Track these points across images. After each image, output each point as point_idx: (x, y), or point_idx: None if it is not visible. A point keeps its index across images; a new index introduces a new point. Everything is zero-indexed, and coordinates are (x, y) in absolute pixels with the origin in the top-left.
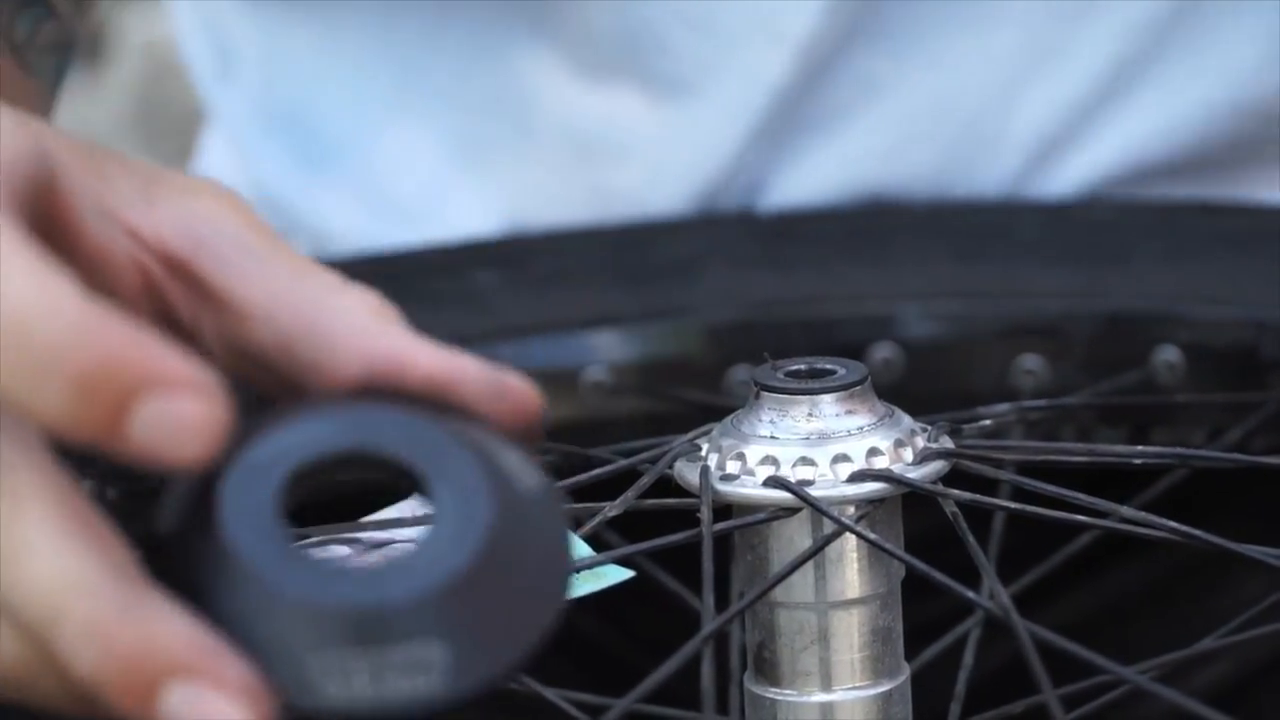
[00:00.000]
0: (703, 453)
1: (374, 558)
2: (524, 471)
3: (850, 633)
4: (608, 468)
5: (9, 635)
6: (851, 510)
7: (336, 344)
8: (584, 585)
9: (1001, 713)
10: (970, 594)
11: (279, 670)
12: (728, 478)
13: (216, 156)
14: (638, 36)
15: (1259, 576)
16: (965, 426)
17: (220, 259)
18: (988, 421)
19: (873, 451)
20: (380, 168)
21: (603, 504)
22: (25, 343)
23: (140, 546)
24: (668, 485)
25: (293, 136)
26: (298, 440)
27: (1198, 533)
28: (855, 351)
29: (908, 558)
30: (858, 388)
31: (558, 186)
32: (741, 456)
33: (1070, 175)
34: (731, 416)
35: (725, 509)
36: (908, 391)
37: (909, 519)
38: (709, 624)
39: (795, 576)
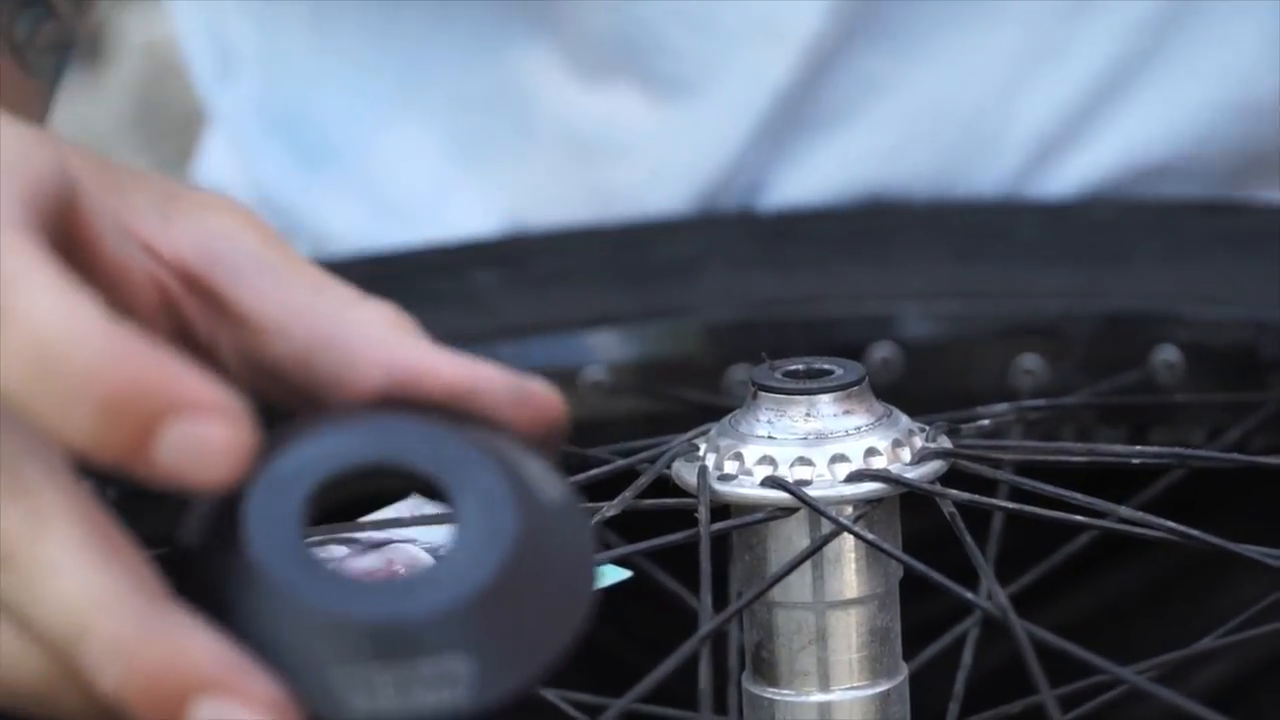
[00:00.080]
0: (700, 453)
1: (372, 558)
2: (547, 482)
3: (848, 633)
4: (606, 468)
5: (34, 652)
6: (849, 510)
7: (356, 357)
8: None
9: (1000, 713)
10: (968, 594)
11: (305, 684)
12: (725, 478)
13: (217, 158)
14: (637, 36)
15: (1258, 577)
16: (964, 426)
17: (237, 274)
18: (986, 421)
19: (870, 451)
20: (380, 168)
21: (601, 504)
22: (52, 366)
23: (159, 559)
24: (666, 485)
25: (292, 137)
26: (321, 454)
27: (1196, 533)
28: (854, 351)
29: (906, 558)
30: (855, 388)
31: (557, 186)
32: (739, 456)
33: (1070, 176)
34: (729, 416)
35: (723, 509)
36: (907, 391)
37: (907, 519)
38: (707, 624)
39: (793, 576)
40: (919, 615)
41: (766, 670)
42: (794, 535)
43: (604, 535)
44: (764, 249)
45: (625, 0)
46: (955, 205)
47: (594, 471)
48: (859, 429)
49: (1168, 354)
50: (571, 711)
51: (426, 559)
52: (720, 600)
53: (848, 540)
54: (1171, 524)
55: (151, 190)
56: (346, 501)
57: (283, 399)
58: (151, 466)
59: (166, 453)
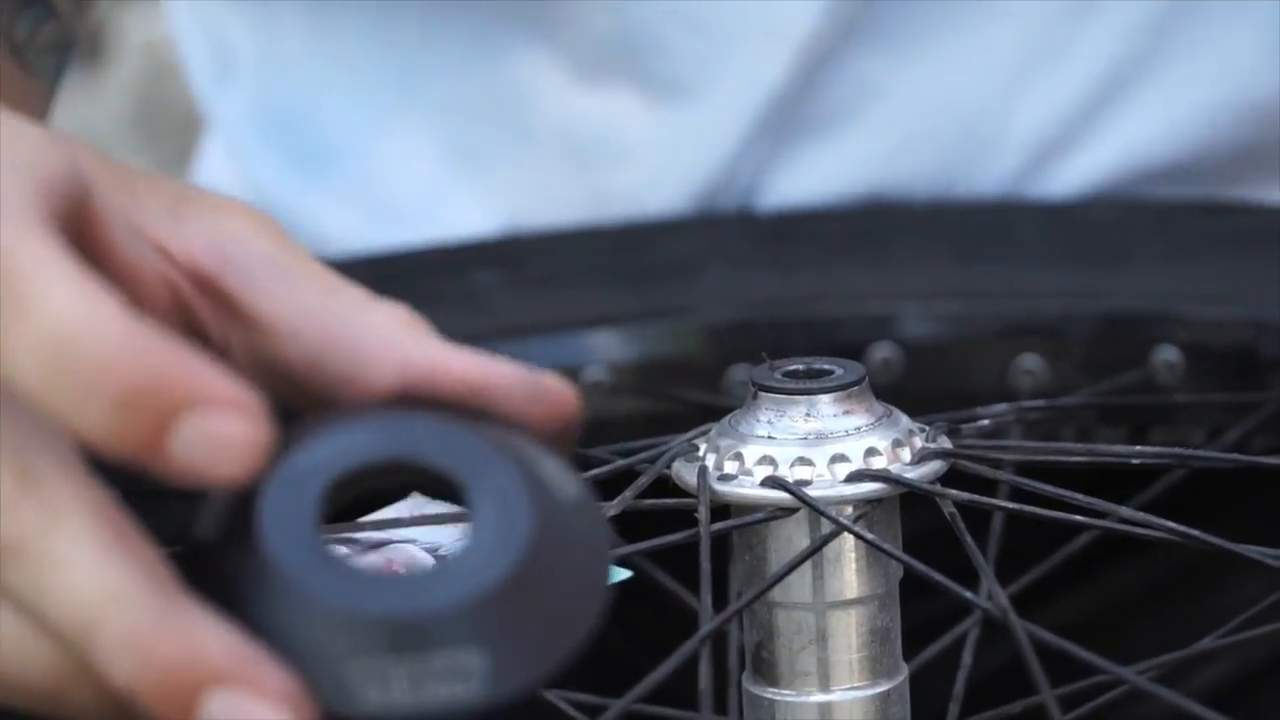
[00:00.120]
0: (700, 453)
1: (372, 558)
2: (563, 478)
3: (848, 633)
4: (606, 468)
5: (46, 647)
6: (849, 510)
7: (369, 356)
8: None
9: (1000, 713)
10: (968, 594)
11: (318, 677)
12: (725, 478)
13: (215, 161)
14: (634, 38)
15: (1258, 577)
16: (964, 426)
17: (249, 276)
18: (986, 422)
19: (870, 451)
20: (378, 171)
21: (601, 504)
22: (69, 359)
23: (173, 555)
24: (666, 485)
25: (290, 140)
26: (336, 451)
27: (1196, 533)
28: (854, 351)
29: (906, 558)
30: (855, 388)
31: (555, 188)
32: (739, 456)
33: (1070, 177)
34: (729, 416)
35: (723, 509)
36: (907, 391)
37: (907, 519)
38: (707, 624)
39: (793, 576)
40: (919, 615)
41: (767, 670)
42: (794, 535)
43: None
44: (764, 249)
45: (622, 2)
46: (955, 205)
47: (594, 472)
48: (859, 429)
49: (1168, 354)
50: (572, 712)
51: (426, 559)
52: (720, 600)
53: (848, 540)
54: (1172, 524)
55: (163, 192)
56: (350, 500)
57: (295, 401)
58: (167, 461)
59: (182, 447)
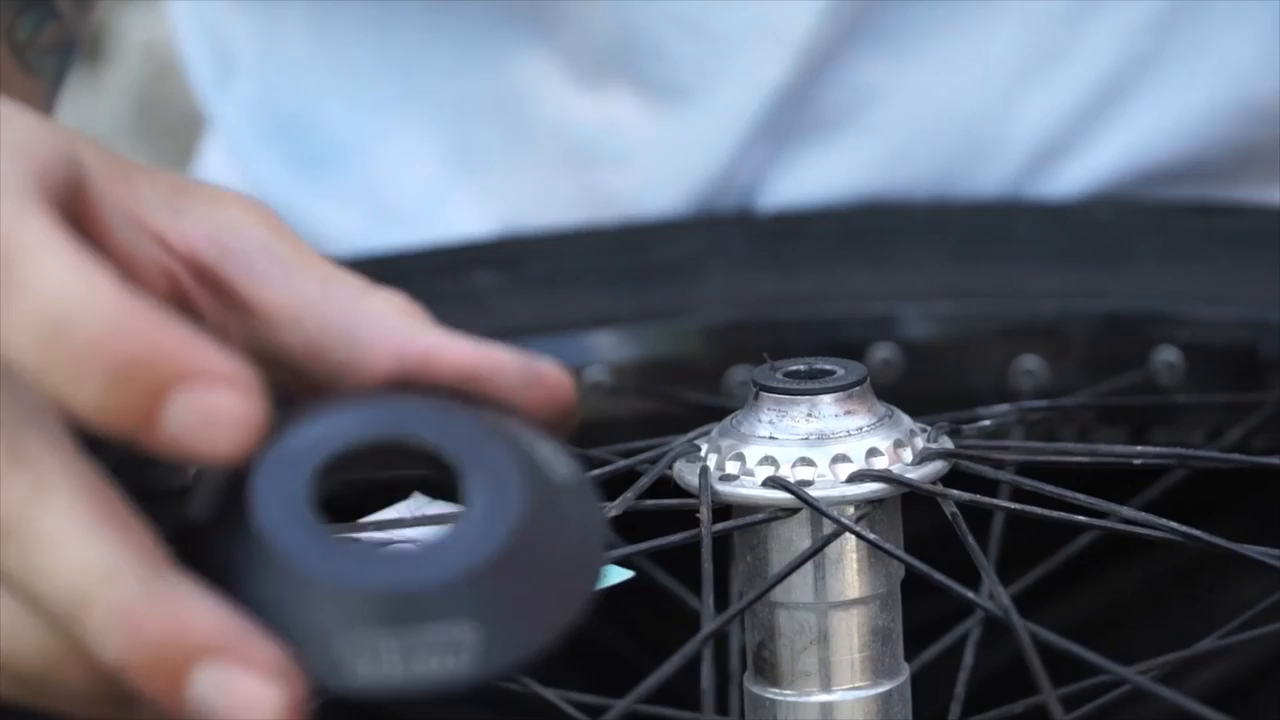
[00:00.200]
0: (702, 453)
1: None
2: (558, 461)
3: (850, 633)
4: (607, 468)
5: (36, 625)
6: (851, 510)
7: (367, 343)
8: None
9: (1002, 713)
10: (970, 594)
11: (310, 651)
12: (727, 478)
13: (215, 161)
14: (633, 41)
15: (1257, 577)
16: (965, 427)
17: (247, 266)
18: (987, 422)
19: (872, 452)
20: (378, 172)
21: (602, 504)
22: (62, 333)
23: (168, 536)
24: (667, 486)
25: (290, 141)
26: (330, 430)
27: (1198, 533)
28: (855, 352)
29: (907, 558)
30: (857, 388)
31: (554, 190)
32: (741, 457)
33: (1071, 180)
34: (731, 417)
35: (725, 509)
36: (907, 392)
37: (908, 519)
38: (709, 624)
39: (795, 577)
40: (921, 615)
41: (768, 670)
42: (796, 536)
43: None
44: (765, 249)
45: (621, 4)
46: (955, 205)
47: (596, 472)
48: (861, 429)
49: (1168, 354)
50: (573, 712)
51: None
52: (722, 601)
53: (849, 540)
54: (1174, 524)
55: (163, 184)
56: (354, 495)
57: (294, 389)
58: (160, 436)
59: (175, 422)
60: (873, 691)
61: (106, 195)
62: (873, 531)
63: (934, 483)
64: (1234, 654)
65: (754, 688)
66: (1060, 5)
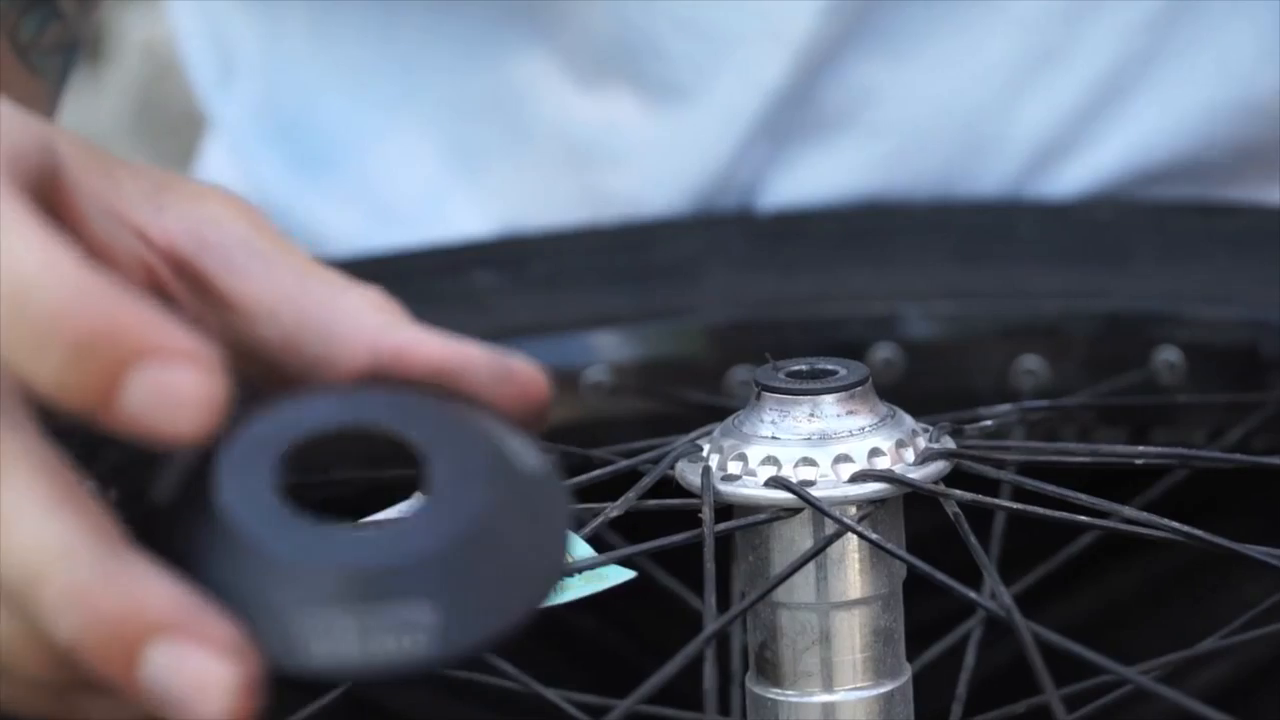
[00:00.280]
0: (704, 453)
1: None
2: (526, 453)
3: (852, 633)
4: (609, 468)
5: None
6: (853, 511)
7: (343, 339)
8: (586, 586)
9: (1004, 713)
10: (972, 594)
11: (267, 629)
12: (729, 478)
13: (216, 162)
14: (632, 41)
15: (1258, 577)
16: (967, 427)
17: (226, 260)
18: (989, 422)
19: (874, 452)
20: (378, 172)
21: (604, 505)
22: (23, 307)
23: (133, 519)
24: (669, 486)
25: (292, 142)
26: (298, 416)
27: (1200, 533)
28: (856, 352)
29: (909, 558)
30: (859, 388)
31: (554, 190)
32: (743, 457)
33: (1071, 180)
34: (733, 417)
35: (727, 509)
36: (908, 392)
37: (910, 519)
38: (711, 624)
39: (797, 577)
40: (923, 615)
41: (770, 671)
42: (798, 536)
43: (607, 536)
44: (766, 249)
45: (620, 4)
46: (956, 205)
47: (597, 472)
48: (863, 429)
49: (1169, 354)
50: (575, 713)
51: None
52: (724, 601)
53: (852, 541)
54: (1176, 524)
55: (146, 179)
56: (354, 495)
57: (271, 384)
58: (120, 415)
59: (134, 399)
60: (875, 692)
61: (84, 187)
62: (875, 531)
63: (936, 483)
64: (1236, 654)
65: (756, 688)
66: (1059, 5)
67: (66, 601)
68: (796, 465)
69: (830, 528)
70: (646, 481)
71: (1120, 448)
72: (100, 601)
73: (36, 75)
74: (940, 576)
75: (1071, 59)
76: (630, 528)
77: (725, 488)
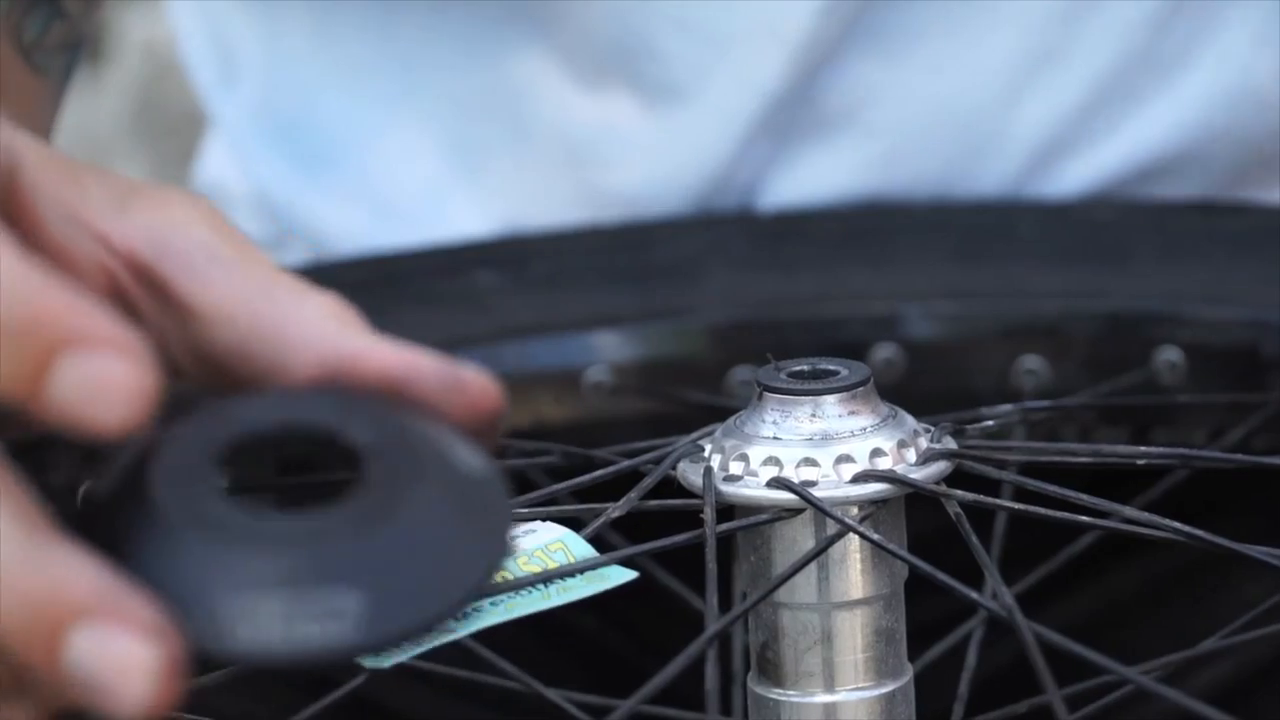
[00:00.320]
0: (706, 453)
1: None
2: (469, 457)
3: (854, 633)
4: (610, 469)
5: None
6: (855, 511)
7: (295, 346)
8: (588, 586)
9: (1005, 713)
10: (973, 594)
11: (190, 613)
12: (731, 478)
13: (217, 161)
14: (631, 41)
15: (1258, 577)
16: (968, 427)
17: (185, 264)
18: (990, 422)
19: (876, 452)
20: (378, 171)
21: (606, 505)
22: None
23: (66, 512)
24: (671, 486)
25: (292, 141)
26: (238, 415)
27: (1201, 533)
28: (857, 352)
29: (911, 558)
30: (861, 388)
31: (554, 190)
32: (744, 457)
33: (1071, 179)
34: (735, 417)
35: (728, 510)
36: (909, 392)
37: (912, 519)
38: (712, 625)
39: (798, 577)
40: (924, 615)
41: (772, 671)
42: (799, 536)
43: (609, 536)
44: (766, 249)
45: (618, 5)
46: (956, 205)
47: (598, 473)
48: (864, 430)
49: (1170, 354)
50: (576, 713)
51: None
52: (725, 601)
53: (853, 541)
54: (1176, 524)
55: (110, 186)
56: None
57: (229, 391)
58: (48, 404)
59: (62, 389)
60: (876, 692)
61: (44, 191)
62: (876, 532)
63: (937, 483)
64: (1236, 654)
65: (757, 688)
66: (1059, 4)
67: None
68: (798, 465)
69: (832, 528)
70: (648, 482)
71: (1122, 448)
72: (22, 584)
73: (40, 75)
74: (942, 576)
75: (1071, 58)
76: (632, 528)
77: (727, 488)
